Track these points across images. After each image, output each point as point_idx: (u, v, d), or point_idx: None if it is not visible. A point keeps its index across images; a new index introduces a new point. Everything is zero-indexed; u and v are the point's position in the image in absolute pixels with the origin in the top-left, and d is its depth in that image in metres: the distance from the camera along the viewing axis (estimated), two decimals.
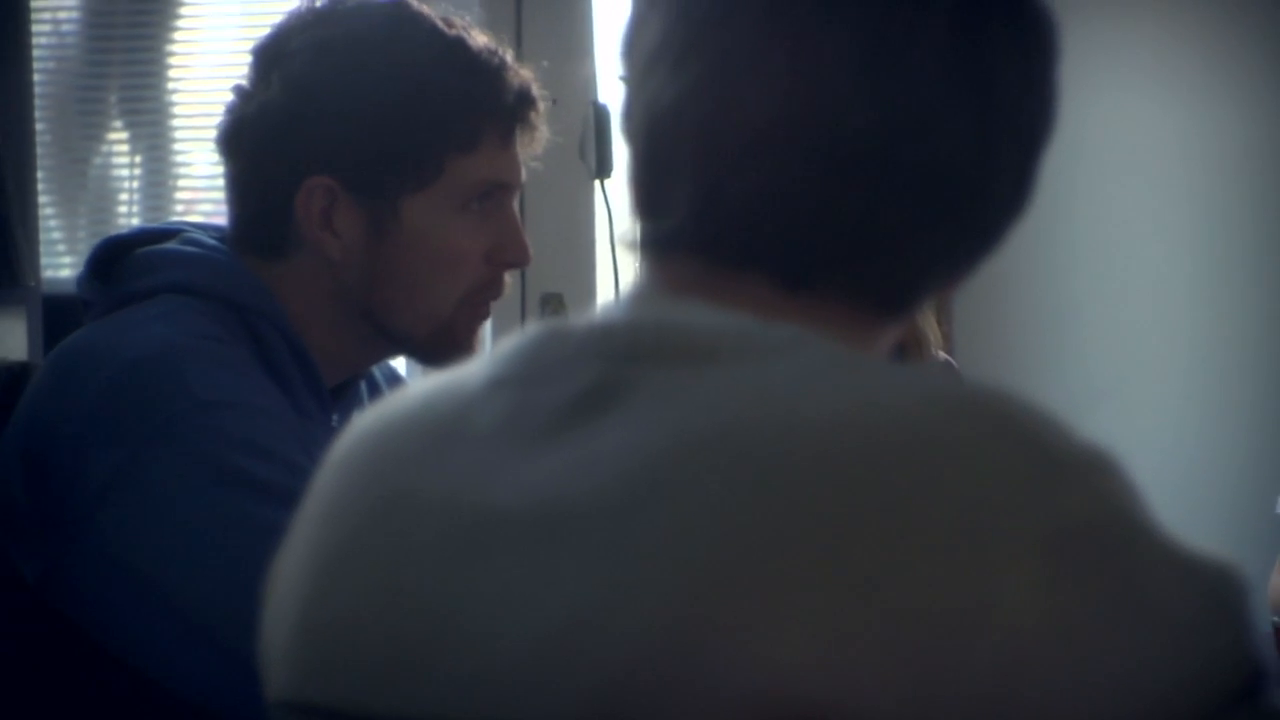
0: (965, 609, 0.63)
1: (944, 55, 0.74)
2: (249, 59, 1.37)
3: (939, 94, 0.74)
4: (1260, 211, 3.91)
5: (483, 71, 1.34)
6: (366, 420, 0.80)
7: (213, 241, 1.37)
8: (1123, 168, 4.05)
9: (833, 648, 0.63)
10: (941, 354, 2.18)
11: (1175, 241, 3.99)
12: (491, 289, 1.39)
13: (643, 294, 0.76)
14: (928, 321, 2.11)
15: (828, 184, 0.73)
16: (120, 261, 1.34)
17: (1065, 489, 0.66)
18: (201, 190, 2.96)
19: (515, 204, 1.40)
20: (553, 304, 2.78)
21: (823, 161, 0.73)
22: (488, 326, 1.46)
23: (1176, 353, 4.00)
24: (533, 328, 0.77)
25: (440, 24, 1.36)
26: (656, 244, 0.77)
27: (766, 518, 0.65)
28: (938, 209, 0.75)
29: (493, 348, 0.78)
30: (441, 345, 1.37)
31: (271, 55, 1.35)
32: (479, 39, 1.36)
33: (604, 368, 0.72)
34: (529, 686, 0.67)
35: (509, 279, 1.41)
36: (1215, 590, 0.69)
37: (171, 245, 1.35)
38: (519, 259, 1.39)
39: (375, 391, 1.46)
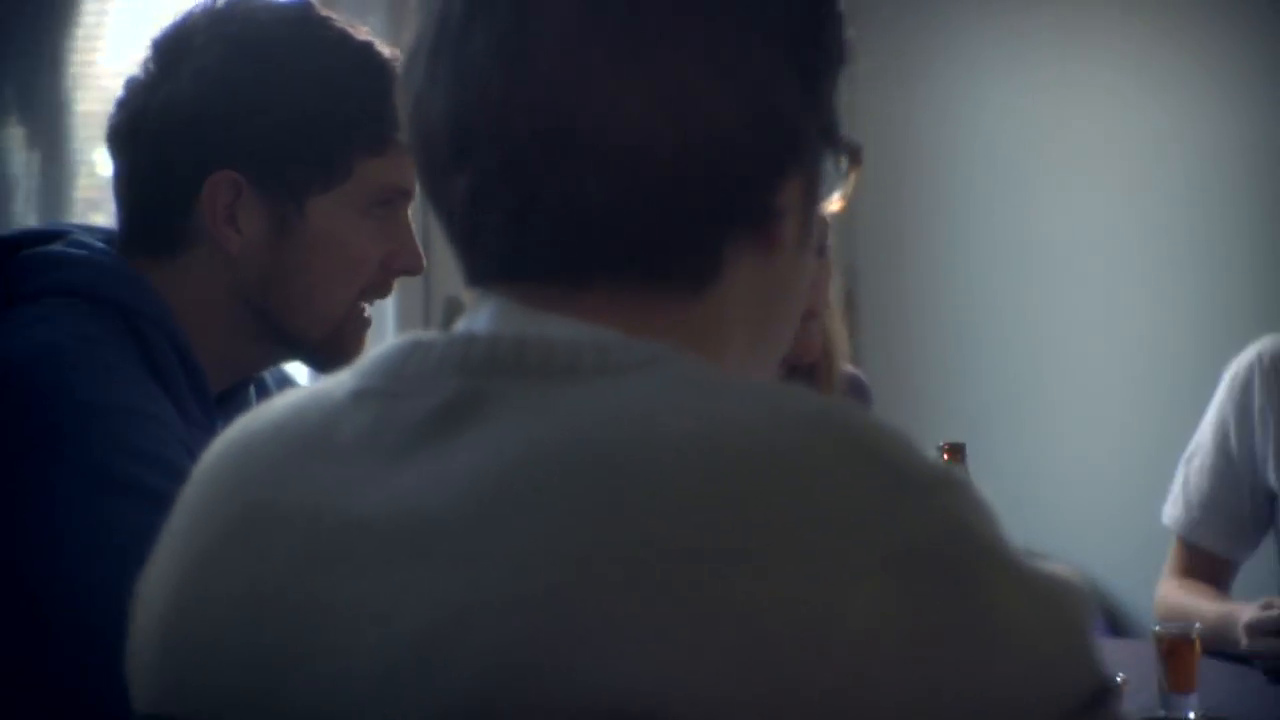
0: (812, 625, 0.64)
1: (694, 35, 0.75)
2: (147, 53, 1.36)
3: (698, 75, 0.74)
4: (1171, 212, 3.96)
5: (392, 77, 1.35)
6: (233, 431, 0.80)
7: (99, 244, 1.36)
8: (1032, 171, 4.10)
9: (682, 663, 0.63)
10: (849, 366, 2.21)
11: (1086, 244, 4.04)
12: (379, 292, 1.40)
13: (503, 307, 0.76)
14: (838, 334, 2.14)
15: (632, 182, 0.74)
16: (3, 264, 1.33)
17: (913, 507, 0.67)
18: (104, 189, 2.92)
19: (409, 212, 1.41)
20: (454, 307, 2.78)
21: (623, 162, 0.74)
22: (390, 331, 1.46)
23: (1082, 360, 4.05)
24: (396, 339, 0.77)
25: (348, 28, 1.37)
26: (489, 271, 0.77)
27: (618, 533, 0.65)
28: (718, 183, 0.76)
29: (359, 358, 0.79)
30: (332, 348, 1.38)
31: (175, 49, 1.34)
32: (384, 47, 1.38)
33: (464, 381, 0.72)
34: (385, 698, 0.68)
35: (397, 286, 1.42)
36: (1059, 607, 0.70)
37: (55, 247, 1.34)
38: (414, 267, 1.41)
39: (264, 396, 1.45)
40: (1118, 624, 3.49)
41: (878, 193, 4.24)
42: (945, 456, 1.64)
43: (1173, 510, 2.23)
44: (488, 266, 0.77)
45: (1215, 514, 2.18)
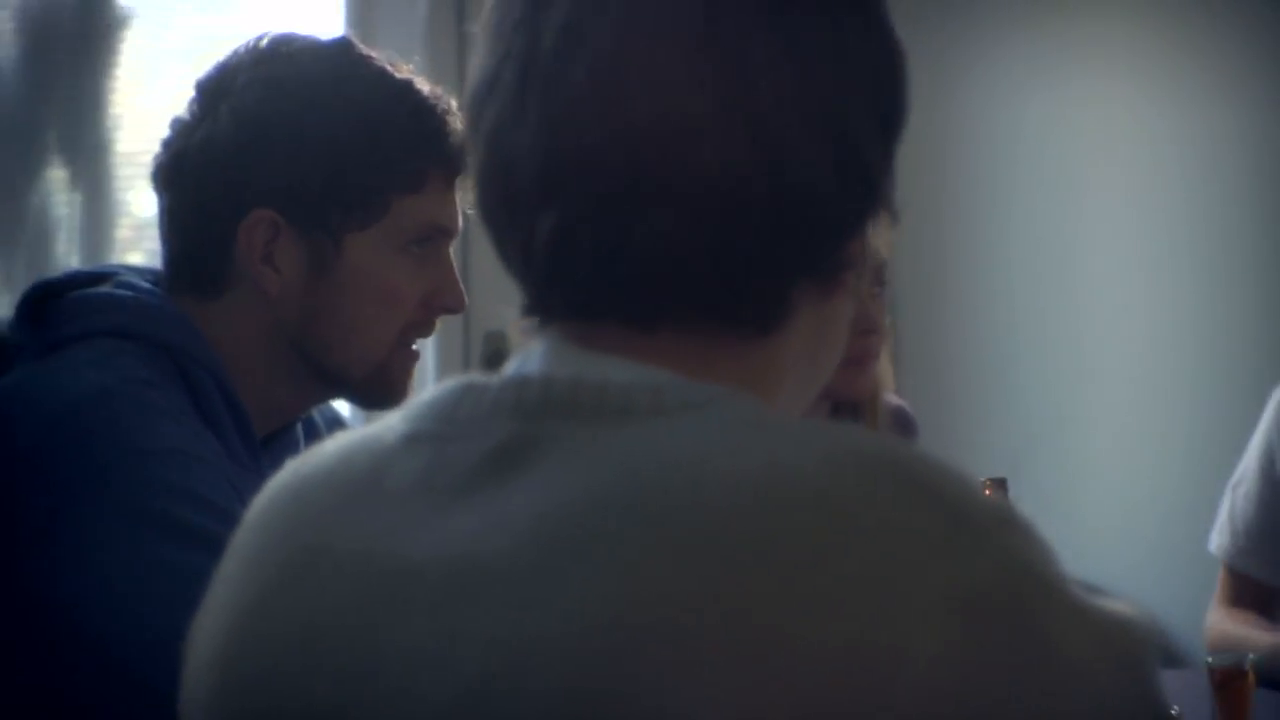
0: (873, 670, 0.63)
1: (792, 84, 0.74)
2: (192, 94, 1.38)
3: (794, 124, 0.74)
4: (1220, 237, 3.93)
5: (430, 115, 1.36)
6: (285, 475, 0.80)
7: (146, 285, 1.37)
8: (1073, 199, 4.08)
9: (741, 709, 0.63)
10: (894, 398, 2.20)
11: (1130, 272, 4.02)
12: (422, 330, 1.40)
13: (557, 348, 0.76)
14: (884, 367, 2.13)
15: (723, 228, 0.74)
16: (51, 305, 1.34)
17: (973, 548, 0.67)
18: (142, 228, 2.94)
19: (451, 251, 1.41)
20: (495, 342, 2.79)
21: (716, 207, 0.73)
22: (430, 367, 1.47)
23: (1120, 392, 4.03)
24: (448, 382, 0.77)
25: (388, 66, 1.37)
26: (563, 310, 0.77)
27: (674, 577, 0.65)
28: (804, 231, 0.76)
29: (411, 401, 0.79)
30: (377, 386, 1.38)
31: (217, 89, 1.35)
32: (425, 84, 1.38)
33: (518, 424, 0.72)
34: None
35: (439, 322, 1.42)
36: (1122, 647, 0.70)
37: (104, 289, 1.35)
38: (455, 304, 1.41)
39: (314, 436, 1.46)
40: (1168, 655, 3.45)
41: (916, 222, 4.24)
42: (987, 492, 1.63)
43: (1219, 538, 2.22)
44: (560, 305, 0.77)
45: (1262, 542, 2.16)
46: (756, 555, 0.65)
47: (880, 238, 2.12)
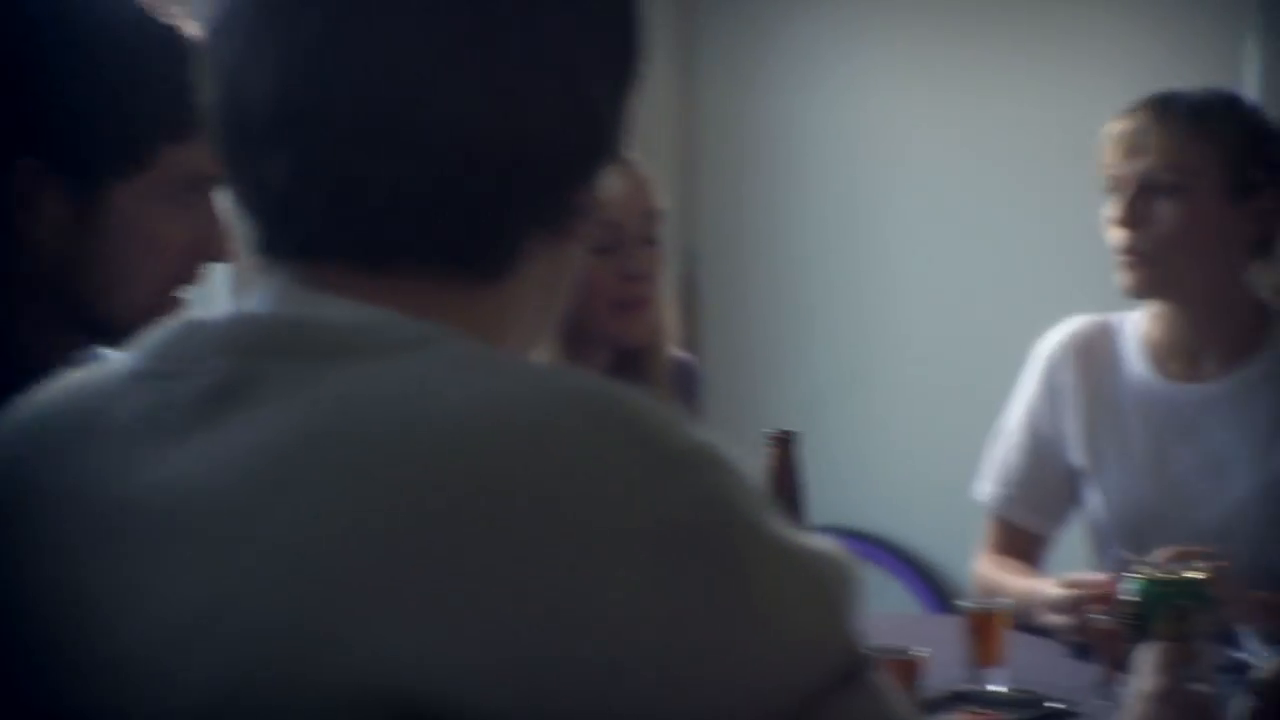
0: (573, 604, 0.65)
1: (522, 35, 0.76)
2: None
3: (524, 73, 0.75)
4: (987, 205, 4.05)
5: (197, 61, 1.34)
6: (14, 411, 0.80)
7: None
8: (867, 164, 4.16)
9: (446, 644, 0.64)
10: (679, 351, 2.23)
11: (913, 237, 4.12)
12: (189, 280, 1.39)
13: (284, 287, 0.76)
14: (667, 320, 2.16)
15: (451, 175, 0.75)
16: None
17: (675, 484, 0.68)
18: None
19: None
20: None
21: (444, 154, 0.75)
22: None
23: (910, 346, 4.13)
24: (173, 320, 0.77)
25: (151, 10, 1.35)
26: (293, 250, 0.77)
27: (382, 515, 0.66)
28: (533, 179, 0.77)
29: (140, 338, 0.79)
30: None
31: None
32: (190, 28, 1.35)
33: (239, 362, 0.73)
34: (155, 677, 0.68)
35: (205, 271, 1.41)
36: (818, 581, 0.72)
37: None
38: (224, 253, 1.39)
39: None
40: (948, 601, 3.55)
41: (718, 181, 4.29)
42: (775, 443, 1.66)
43: (987, 487, 2.29)
44: (290, 245, 0.77)
45: (1027, 490, 2.23)
46: (465, 491, 0.66)
47: (645, 189, 2.13)
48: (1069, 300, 2.72)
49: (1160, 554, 1.74)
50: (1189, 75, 2.39)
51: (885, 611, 3.82)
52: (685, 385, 2.20)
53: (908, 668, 1.41)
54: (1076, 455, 2.20)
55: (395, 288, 0.76)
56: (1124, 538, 2.13)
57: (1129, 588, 1.30)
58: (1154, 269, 2.09)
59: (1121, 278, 2.10)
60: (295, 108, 0.75)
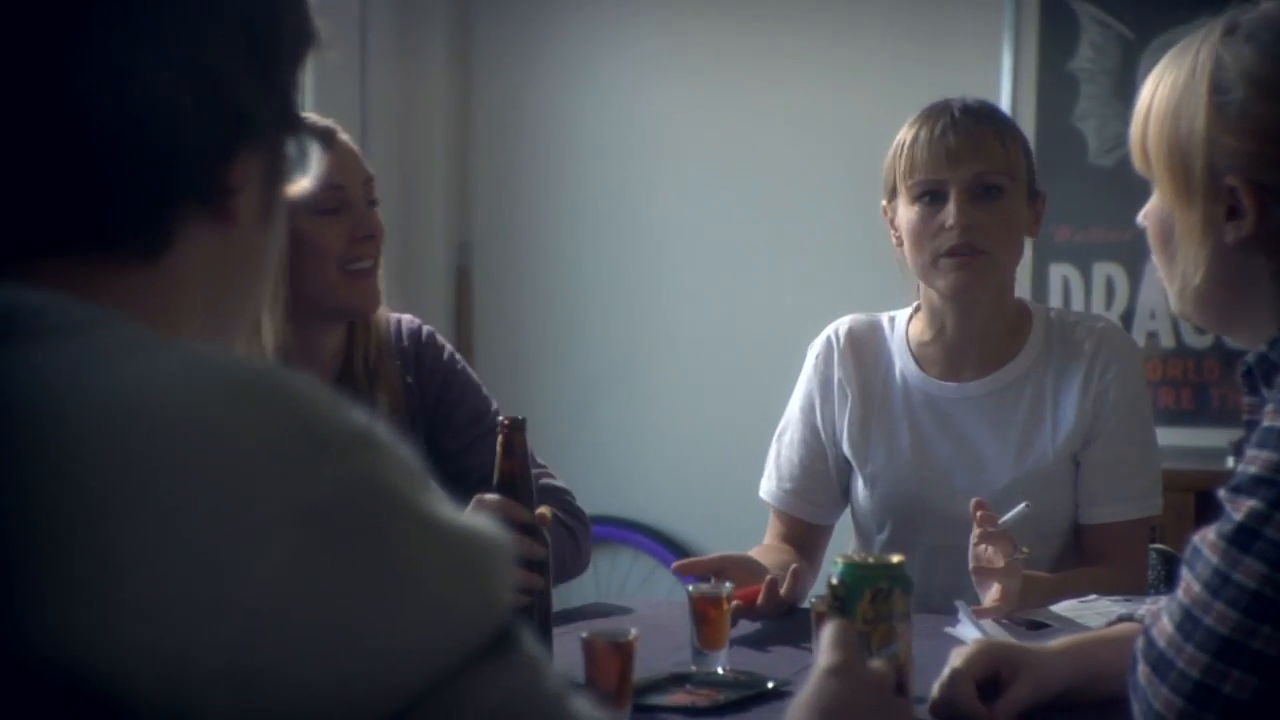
0: (219, 581, 0.67)
1: (144, 16, 0.78)
2: None
3: (147, 55, 0.78)
4: (764, 203, 4.13)
5: None
6: None
7: None
8: (642, 159, 4.22)
9: (95, 622, 0.66)
10: (407, 316, 2.22)
11: (688, 232, 4.18)
12: None
13: None
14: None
15: (80, 157, 0.77)
16: None
17: (324, 464, 0.71)
18: None
19: None
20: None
21: (73, 136, 0.77)
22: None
23: (685, 342, 4.19)
24: None
25: None
26: None
27: (39, 494, 0.68)
28: (164, 158, 0.80)
29: None
30: None
31: None
32: None
33: None
34: None
35: None
36: (467, 555, 0.75)
37: None
38: None
39: None
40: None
41: (492, 175, 4.31)
42: (504, 429, 1.70)
43: (767, 484, 2.35)
44: None
45: (805, 483, 2.31)
46: (116, 476, 0.68)
47: (358, 156, 2.12)
48: (834, 299, 2.81)
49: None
50: (950, 82, 2.46)
51: (646, 597, 3.89)
52: (417, 349, 2.15)
53: (621, 649, 1.46)
54: (847, 447, 2.29)
55: (51, 271, 0.78)
56: (890, 527, 2.23)
57: (834, 571, 1.37)
58: (989, 269, 2.17)
59: (953, 277, 2.16)
60: None
